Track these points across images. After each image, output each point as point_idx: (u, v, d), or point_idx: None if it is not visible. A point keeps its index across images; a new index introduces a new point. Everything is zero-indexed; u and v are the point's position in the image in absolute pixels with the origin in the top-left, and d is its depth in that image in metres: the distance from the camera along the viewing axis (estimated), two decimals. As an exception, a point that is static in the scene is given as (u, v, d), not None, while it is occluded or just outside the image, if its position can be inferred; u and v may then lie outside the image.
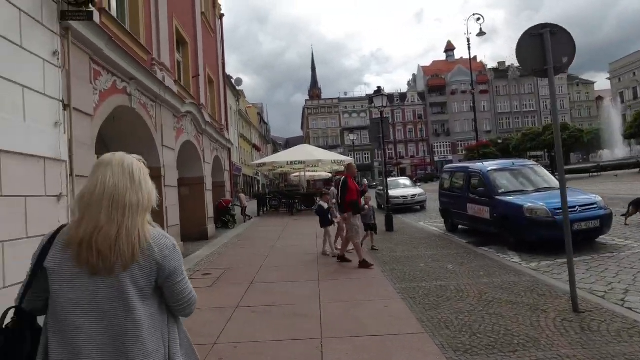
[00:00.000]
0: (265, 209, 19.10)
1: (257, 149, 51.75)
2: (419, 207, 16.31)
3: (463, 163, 10.70)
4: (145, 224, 1.28)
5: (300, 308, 4.58)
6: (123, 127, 7.29)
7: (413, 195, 15.57)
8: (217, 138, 13.94)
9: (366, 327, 3.87)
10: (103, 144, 7.64)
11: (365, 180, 8.97)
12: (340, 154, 38.24)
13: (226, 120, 16.85)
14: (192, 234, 11.50)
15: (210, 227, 12.11)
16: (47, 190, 4.28)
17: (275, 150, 67.68)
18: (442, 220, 10.90)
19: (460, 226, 9.88)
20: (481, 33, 17.29)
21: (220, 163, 14.97)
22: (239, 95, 39.22)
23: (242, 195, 17.89)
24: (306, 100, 75.39)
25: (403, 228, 11.21)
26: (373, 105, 67.80)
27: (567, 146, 31.42)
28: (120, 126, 7.18)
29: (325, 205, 7.83)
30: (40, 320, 1.33)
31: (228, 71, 32.38)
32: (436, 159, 65.79)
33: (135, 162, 1.37)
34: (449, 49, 72.04)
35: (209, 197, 12.32)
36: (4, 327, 1.27)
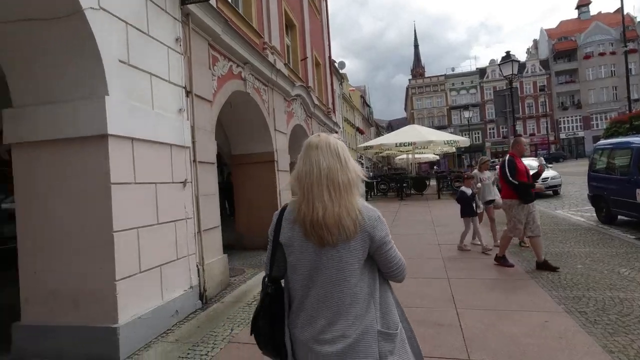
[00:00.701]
0: (372, 193, 18.58)
1: (361, 132, 51.34)
2: (551, 192, 13.97)
3: (624, 138, 8.55)
4: (358, 199, 1.38)
5: (434, 314, 3.91)
6: (238, 112, 7.37)
7: (545, 179, 13.27)
8: (325, 121, 13.76)
9: (526, 351, 3.03)
10: (220, 130, 7.89)
11: (542, 158, 7.46)
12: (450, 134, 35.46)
13: (333, 102, 16.62)
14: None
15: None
16: (174, 177, 4.33)
17: (378, 133, 66.54)
18: (592, 208, 8.96)
19: (620, 217, 7.96)
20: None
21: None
22: (342, 78, 39.02)
23: None
24: (409, 79, 71.80)
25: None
26: (486, 78, 61.62)
27: None
28: (235, 111, 7.27)
29: (469, 191, 6.67)
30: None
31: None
32: (562, 136, 57.00)
33: (339, 143, 1.44)
34: (583, 3, 60.79)
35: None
36: (268, 292, 1.49)
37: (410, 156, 20.97)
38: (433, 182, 19.47)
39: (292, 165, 9.05)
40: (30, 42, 3.43)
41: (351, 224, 1.32)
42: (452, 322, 3.65)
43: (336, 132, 15.99)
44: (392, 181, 18.22)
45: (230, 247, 8.09)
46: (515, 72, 9.49)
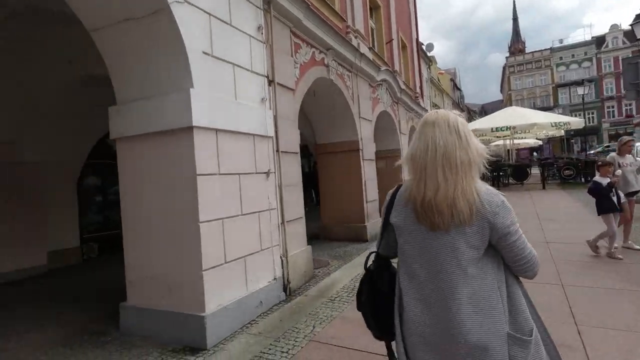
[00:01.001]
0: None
1: (450, 117, 48.32)
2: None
3: None
4: (476, 181, 1.28)
5: (552, 330, 3.27)
6: (321, 100, 7.21)
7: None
8: (413, 106, 13.01)
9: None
10: (305, 119, 7.83)
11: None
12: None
13: (421, 87, 15.68)
14: (389, 208, 11.15)
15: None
16: (257, 167, 4.30)
17: (470, 118, 62.01)
18: None
19: None
20: None
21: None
22: (430, 62, 36.88)
23: None
24: (507, 57, 65.10)
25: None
26: (604, 48, 52.85)
27: None
28: (318, 99, 7.12)
29: (605, 181, 5.32)
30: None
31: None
32: None
33: (459, 119, 1.33)
34: None
35: (405, 170, 11.66)
36: (368, 267, 1.54)
37: (507, 142, 18.96)
38: (535, 171, 17.36)
39: (378, 154, 8.65)
40: (125, 42, 3.61)
41: (466, 207, 1.21)
42: (574, 344, 3.01)
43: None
44: (487, 169, 16.67)
45: (315, 237, 8.07)
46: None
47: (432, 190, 1.23)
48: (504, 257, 1.31)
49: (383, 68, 9.27)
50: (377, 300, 1.46)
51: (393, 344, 1.46)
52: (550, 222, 7.91)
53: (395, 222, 1.37)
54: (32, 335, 3.84)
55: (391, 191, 1.45)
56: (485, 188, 1.27)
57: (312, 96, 6.80)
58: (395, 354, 1.42)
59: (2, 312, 4.64)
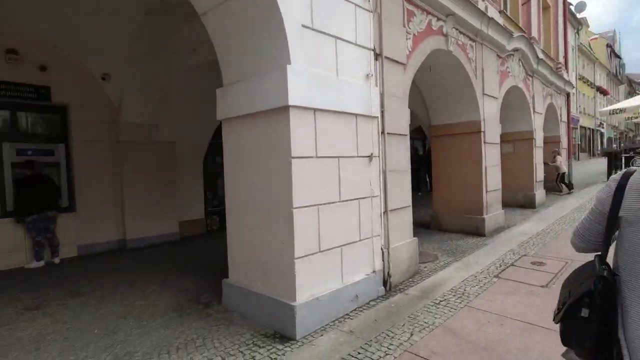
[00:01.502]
0: (617, 171, 14.09)
1: (604, 92, 40.29)
2: None
3: None
4: None
5: None
6: (437, 75, 6.43)
7: None
8: (552, 80, 10.95)
9: None
10: (418, 97, 7.14)
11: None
12: None
13: (565, 56, 13.11)
14: (516, 200, 9.73)
15: (539, 194, 9.87)
16: (359, 151, 3.95)
17: (631, 93, 50.95)
18: None
19: None
20: None
21: (555, 112, 11.88)
22: (579, 25, 30.89)
23: (560, 157, 11.89)
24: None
25: None
26: None
27: None
28: (434, 74, 6.36)
29: None
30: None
31: (565, -3, 25.60)
32: None
33: None
34: None
35: (538, 155, 9.97)
36: (604, 274, 1.23)
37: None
38: None
39: (501, 136, 7.48)
40: (227, 23, 3.58)
41: None
42: None
43: (567, 93, 12.70)
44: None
45: (424, 226, 7.45)
46: None
47: None
48: None
49: (516, 34, 7.86)
50: (610, 317, 1.19)
51: None
52: None
53: (629, 216, 1.15)
54: (154, 298, 4.28)
55: (617, 177, 1.23)
56: None
57: (427, 71, 6.10)
58: None
59: (143, 271, 5.37)
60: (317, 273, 3.42)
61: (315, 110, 3.42)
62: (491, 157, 7.05)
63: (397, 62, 4.59)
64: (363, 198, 4.01)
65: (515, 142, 9.75)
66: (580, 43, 32.78)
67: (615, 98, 43.57)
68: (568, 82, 12.51)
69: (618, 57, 50.70)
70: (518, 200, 9.64)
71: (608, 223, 1.23)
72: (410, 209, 4.82)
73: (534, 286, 4.03)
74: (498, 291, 3.94)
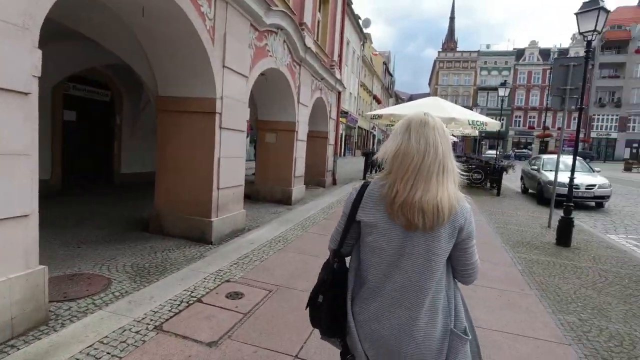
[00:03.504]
0: (375, 171, 15.88)
1: (378, 100, 47.75)
2: (593, 203, 11.10)
3: None
4: (456, 187, 1.34)
5: None
6: (153, 23, 4.65)
7: (590, 186, 10.37)
8: (323, 74, 10.86)
9: None
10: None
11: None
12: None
13: (340, 55, 13.57)
14: (273, 195, 9.06)
15: (297, 189, 9.47)
16: None
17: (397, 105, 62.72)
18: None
19: None
20: None
21: (325, 108, 12.01)
22: (365, 39, 35.14)
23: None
24: (439, 51, 66.53)
25: (582, 242, 6.88)
26: (522, 61, 56.21)
27: None
28: (147, 20, 4.55)
29: None
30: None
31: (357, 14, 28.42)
32: (593, 134, 52.60)
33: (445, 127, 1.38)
34: (647, -9, 54.16)
35: (300, 149, 9.57)
36: (332, 267, 1.47)
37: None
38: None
39: (261, 124, 6.30)
40: None
41: (447, 211, 1.27)
42: None
43: (339, 92, 13.14)
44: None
45: (144, 227, 5.64)
46: (601, 27, 6.42)
47: (421, 192, 1.26)
48: (456, 261, 1.38)
49: (277, 8, 6.85)
50: (336, 303, 1.42)
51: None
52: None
53: (367, 220, 1.34)
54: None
55: (357, 186, 1.43)
56: (460, 194, 1.33)
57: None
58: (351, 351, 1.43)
59: None
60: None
61: None
62: (231, 146, 5.79)
63: None
64: None
65: (278, 132, 9.05)
66: (365, 55, 37.49)
67: (385, 107, 52.61)
68: (339, 81, 12.93)
69: (390, 74, 61.56)
70: (275, 196, 9.00)
71: (347, 224, 1.41)
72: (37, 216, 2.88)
73: (200, 344, 2.75)
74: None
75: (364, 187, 1.39)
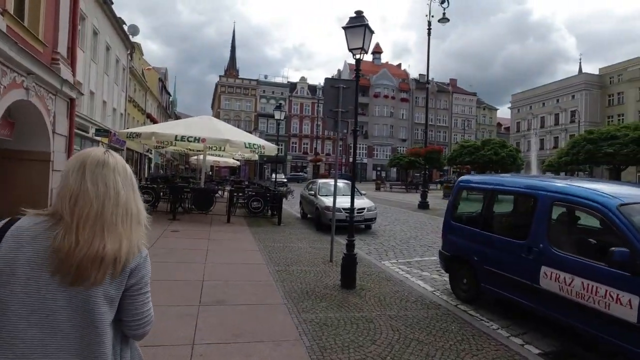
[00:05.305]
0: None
1: (153, 120, 42.61)
2: (363, 226, 11.44)
3: (518, 177, 6.03)
4: (143, 228, 1.22)
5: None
6: None
7: (360, 210, 10.53)
8: (34, 70, 7.24)
9: None
10: None
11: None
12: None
13: (73, 49, 9.87)
14: None
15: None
16: None
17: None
18: (433, 264, 6.15)
19: (497, 297, 5.12)
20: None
21: (41, 117, 8.19)
22: (132, 48, 30.41)
23: None
24: (220, 76, 66.73)
25: (365, 277, 6.16)
26: (295, 93, 62.67)
27: (504, 166, 29.33)
28: None
29: None
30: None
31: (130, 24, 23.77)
32: (351, 159, 63.50)
33: (127, 166, 1.24)
34: (377, 51, 70.17)
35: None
36: None
37: (201, 157, 15.93)
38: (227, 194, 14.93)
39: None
40: None
41: (123, 261, 1.11)
42: None
43: (72, 99, 9.53)
44: (168, 188, 12.63)
45: None
46: (368, 46, 5.95)
47: (99, 242, 1.07)
48: (125, 312, 1.17)
49: None
50: None
51: None
52: (215, 306, 4.48)
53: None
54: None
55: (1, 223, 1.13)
56: (142, 239, 1.21)
57: None
58: None
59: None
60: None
61: None
62: None
63: None
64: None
65: None
66: (133, 66, 32.59)
67: (164, 129, 47.75)
68: (68, 83, 9.28)
69: (169, 93, 57.06)
70: None
71: None
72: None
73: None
74: None
75: (8, 223, 1.11)
